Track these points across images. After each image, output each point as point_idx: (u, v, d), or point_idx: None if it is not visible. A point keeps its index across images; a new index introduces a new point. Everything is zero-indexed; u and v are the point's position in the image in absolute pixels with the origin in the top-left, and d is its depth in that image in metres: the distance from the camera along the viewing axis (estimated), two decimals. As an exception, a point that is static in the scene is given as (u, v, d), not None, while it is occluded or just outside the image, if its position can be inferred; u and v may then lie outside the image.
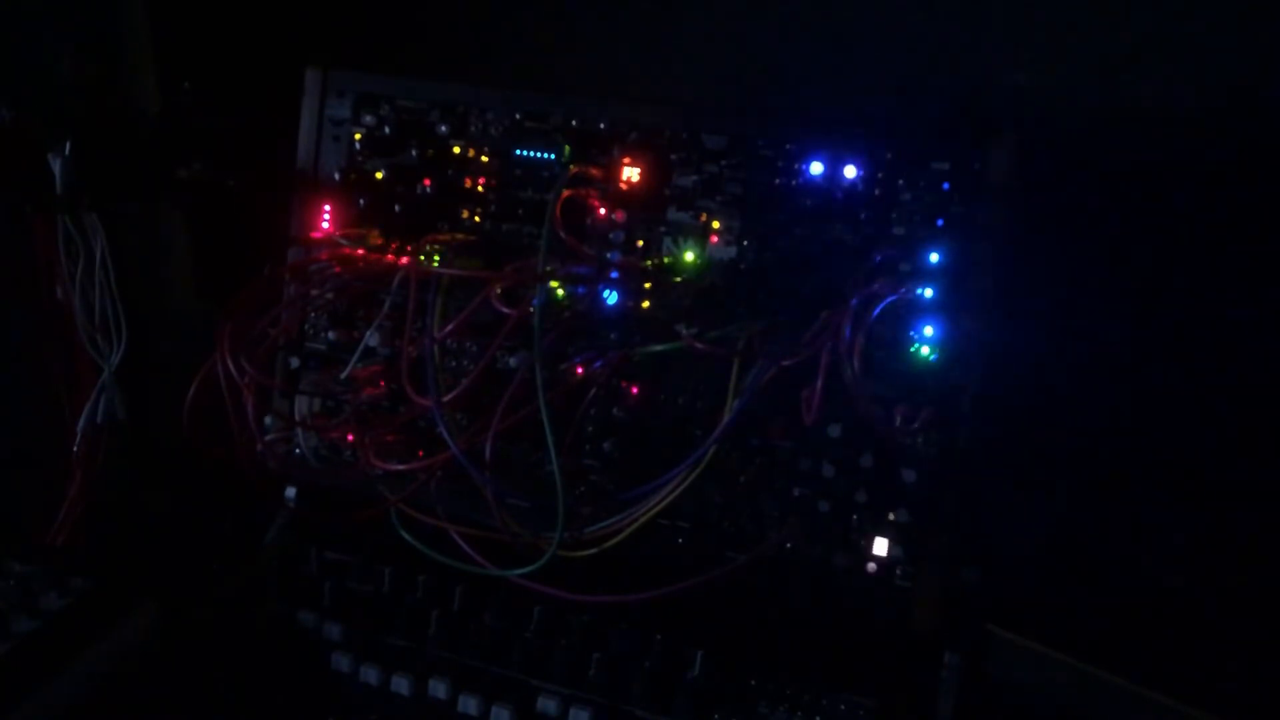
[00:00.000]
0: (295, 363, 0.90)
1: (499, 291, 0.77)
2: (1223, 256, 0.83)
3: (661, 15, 0.99)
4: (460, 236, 0.86)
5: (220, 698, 0.76)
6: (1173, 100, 0.84)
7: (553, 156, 0.84)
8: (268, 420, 0.85)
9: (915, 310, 0.75)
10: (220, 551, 0.90)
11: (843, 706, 0.74)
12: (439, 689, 0.76)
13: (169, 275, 1.14)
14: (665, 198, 0.81)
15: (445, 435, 0.77)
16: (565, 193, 0.78)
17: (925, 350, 0.75)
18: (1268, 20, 0.79)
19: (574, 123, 0.83)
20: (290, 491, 0.91)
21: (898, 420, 0.74)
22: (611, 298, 0.81)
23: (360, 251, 0.85)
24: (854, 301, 0.71)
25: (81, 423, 0.99)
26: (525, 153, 0.85)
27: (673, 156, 0.81)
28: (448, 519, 0.82)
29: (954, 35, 0.89)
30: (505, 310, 0.77)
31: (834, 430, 0.77)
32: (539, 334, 0.75)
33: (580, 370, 0.81)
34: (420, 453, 0.84)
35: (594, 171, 0.81)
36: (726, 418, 0.74)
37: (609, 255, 0.82)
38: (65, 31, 0.98)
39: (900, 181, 0.76)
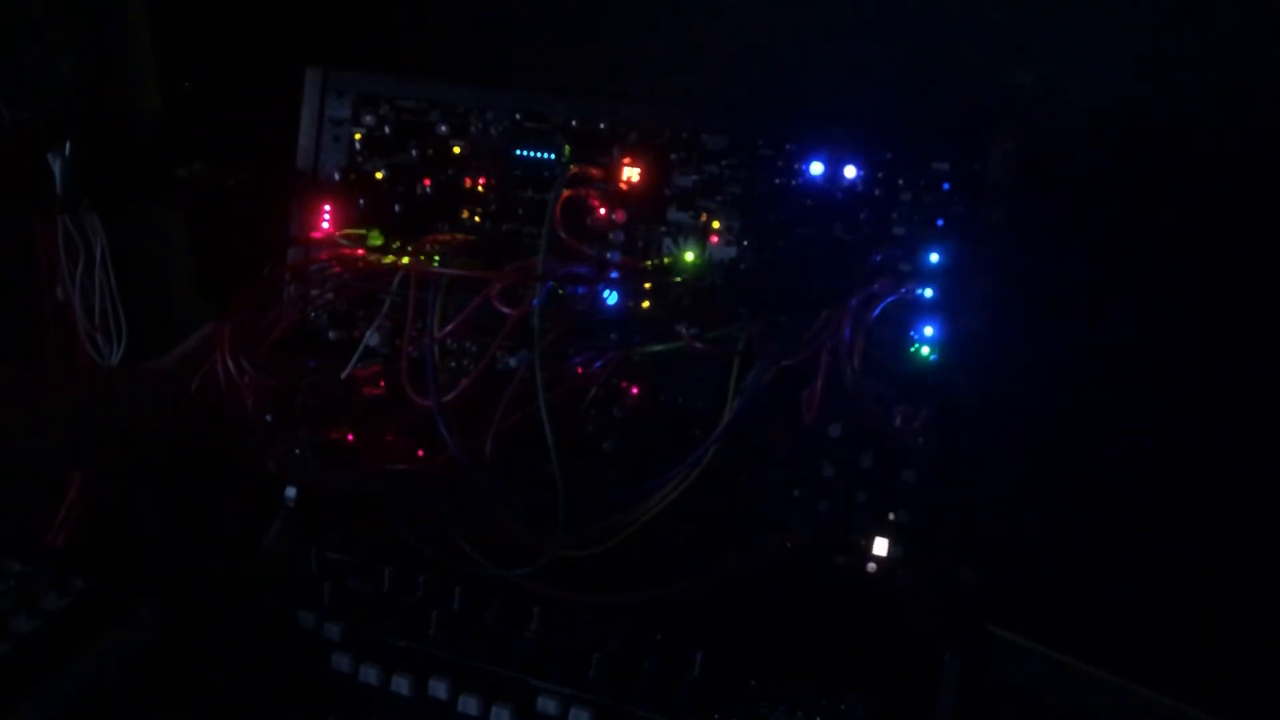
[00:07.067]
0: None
1: (499, 291, 0.77)
2: (1224, 256, 0.83)
3: (661, 15, 0.99)
4: (460, 236, 0.85)
5: (220, 698, 0.76)
6: (1173, 100, 0.84)
7: (553, 156, 0.84)
8: (267, 420, 0.85)
9: (915, 310, 0.75)
10: (220, 551, 0.90)
11: (843, 706, 0.74)
12: (439, 689, 0.76)
13: (169, 275, 1.14)
14: (665, 198, 0.81)
15: (445, 435, 0.77)
16: (565, 193, 0.78)
17: (925, 350, 0.75)
18: (1268, 20, 0.79)
19: (574, 123, 0.83)
20: (290, 491, 0.91)
21: (898, 420, 0.74)
22: (611, 298, 0.81)
23: (360, 251, 0.85)
24: (854, 301, 0.71)
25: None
26: (525, 153, 0.85)
27: (673, 156, 0.81)
28: (448, 519, 0.82)
29: (954, 35, 0.89)
30: (505, 310, 0.77)
31: (834, 430, 0.77)
32: (539, 334, 0.75)
33: (580, 370, 0.81)
34: (420, 453, 0.84)
35: (594, 171, 0.81)
36: (726, 418, 0.74)
37: (609, 255, 0.82)
38: (65, 31, 0.98)
39: (900, 181, 0.76)
